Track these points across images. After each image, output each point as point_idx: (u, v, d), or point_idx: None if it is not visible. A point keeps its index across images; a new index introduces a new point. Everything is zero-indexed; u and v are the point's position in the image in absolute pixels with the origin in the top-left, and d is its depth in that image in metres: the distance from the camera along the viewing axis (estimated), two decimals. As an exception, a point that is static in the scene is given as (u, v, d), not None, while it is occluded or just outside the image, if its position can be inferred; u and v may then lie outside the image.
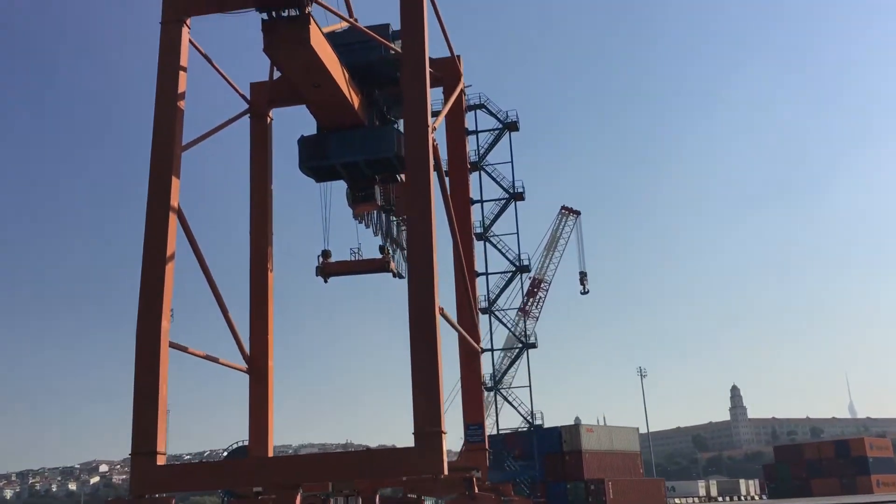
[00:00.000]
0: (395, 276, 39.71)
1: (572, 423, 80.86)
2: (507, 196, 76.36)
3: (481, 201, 75.61)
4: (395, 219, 48.42)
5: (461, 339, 37.58)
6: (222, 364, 36.26)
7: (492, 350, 73.30)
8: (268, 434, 37.70)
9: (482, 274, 72.32)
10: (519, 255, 75.28)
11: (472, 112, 71.95)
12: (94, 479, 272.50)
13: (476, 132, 73.91)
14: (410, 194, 29.40)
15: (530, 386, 71.55)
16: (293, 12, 32.02)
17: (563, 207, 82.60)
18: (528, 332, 74.79)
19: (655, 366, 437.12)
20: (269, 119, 41.69)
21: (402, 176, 41.47)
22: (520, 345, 74.34)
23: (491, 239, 75.86)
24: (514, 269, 74.84)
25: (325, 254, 39.76)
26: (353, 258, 39.95)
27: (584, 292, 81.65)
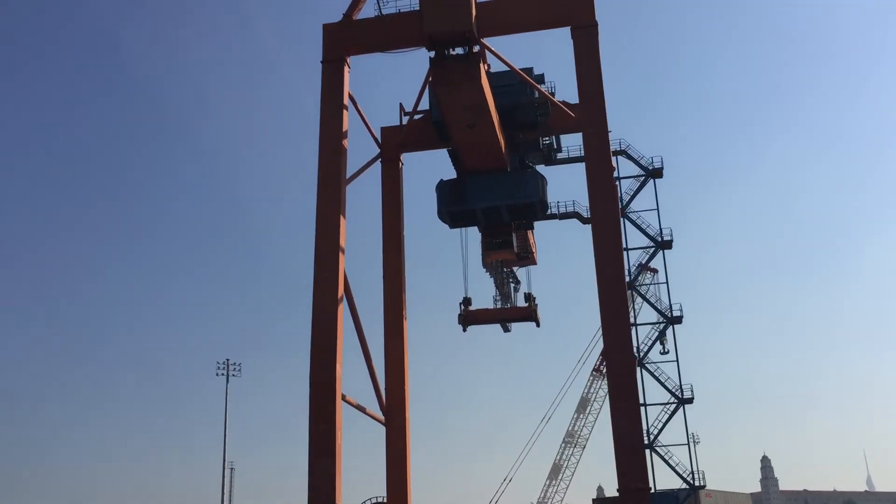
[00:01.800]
0: (538, 325, 38.25)
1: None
2: (653, 245, 73.54)
3: (626, 249, 70.97)
4: (506, 270, 47.37)
5: (612, 391, 35.75)
6: (368, 415, 34.52)
7: (644, 405, 68.28)
8: (406, 489, 35.74)
9: (633, 325, 68.41)
10: (670, 305, 72.28)
11: (613, 158, 67.85)
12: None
13: (618, 179, 70.52)
14: (603, 254, 28.12)
15: (688, 443, 67.24)
16: (460, 51, 31.67)
17: (640, 265, 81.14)
18: (682, 385, 70.05)
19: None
20: (400, 164, 40.92)
21: (522, 222, 40.65)
22: (675, 400, 69.96)
23: (639, 289, 73.38)
24: (664, 320, 72.34)
25: (467, 301, 38.47)
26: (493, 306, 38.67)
27: (664, 352, 79.57)
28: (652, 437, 66.99)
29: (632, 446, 25.42)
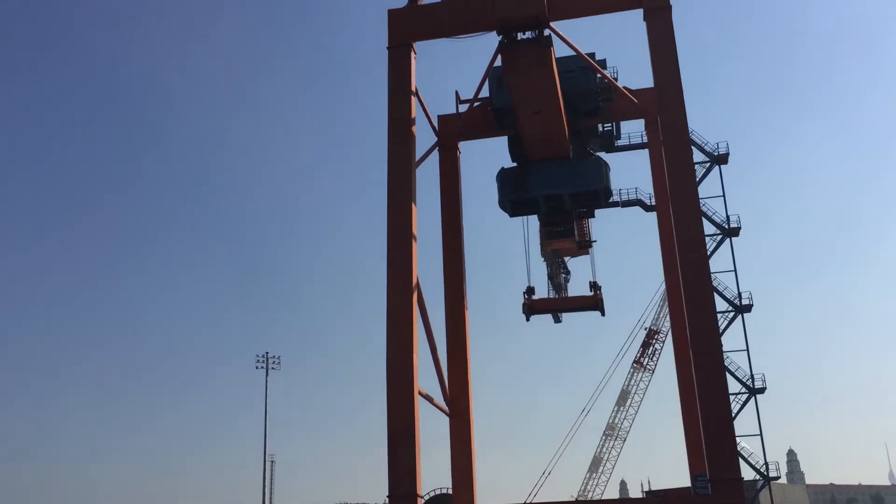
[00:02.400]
0: (602, 314, 37.70)
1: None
2: (720, 233, 72.45)
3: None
4: (559, 260, 46.85)
5: (680, 380, 35.26)
6: (436, 405, 34.15)
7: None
8: (472, 481, 35.33)
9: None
10: (739, 293, 70.91)
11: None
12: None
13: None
14: (686, 240, 27.50)
15: (761, 433, 65.38)
16: (529, 35, 31.13)
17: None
18: (754, 375, 68.68)
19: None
20: (458, 152, 40.45)
21: (584, 210, 40.00)
22: (746, 391, 68.68)
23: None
24: (733, 309, 71.41)
25: (530, 290, 38.00)
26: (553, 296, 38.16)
27: None
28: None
29: (722, 434, 24.83)
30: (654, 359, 79.08)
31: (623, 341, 77.75)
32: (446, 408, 35.56)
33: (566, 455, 75.28)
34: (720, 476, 24.42)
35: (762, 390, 64.86)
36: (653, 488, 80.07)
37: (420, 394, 32.03)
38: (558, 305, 38.14)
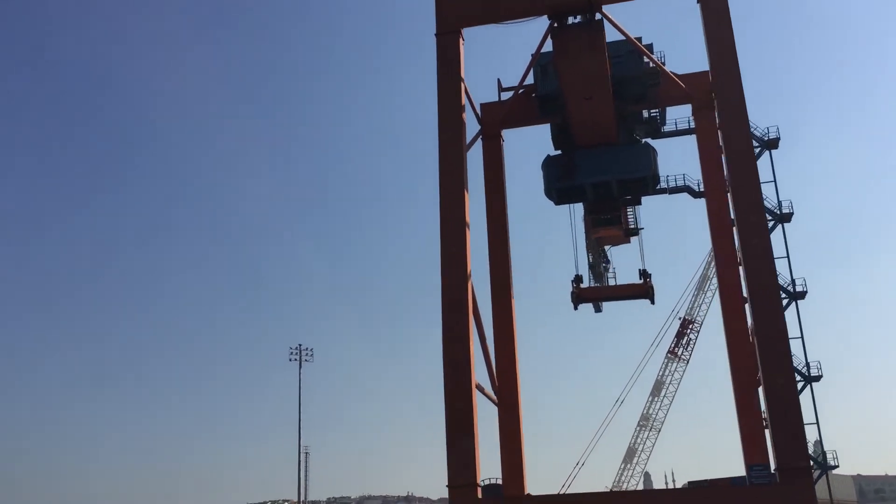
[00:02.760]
0: (652, 303, 37.25)
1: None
2: (772, 219, 71.11)
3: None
4: (601, 248, 46.40)
5: (734, 370, 34.71)
6: (486, 395, 33.90)
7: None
8: (522, 470, 35.10)
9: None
10: (793, 280, 69.83)
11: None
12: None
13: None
14: (747, 226, 26.99)
15: (818, 422, 64.71)
16: (579, 19, 30.72)
17: (715, 245, 79.31)
18: (809, 363, 67.16)
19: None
20: (501, 140, 40.08)
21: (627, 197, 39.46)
22: (801, 379, 67.25)
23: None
24: (787, 296, 70.55)
25: (578, 279, 37.60)
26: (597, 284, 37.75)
27: None
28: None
29: (790, 423, 24.35)
30: (689, 349, 78.44)
31: (656, 331, 77.21)
32: (495, 397, 35.34)
33: (600, 446, 75.06)
34: (788, 465, 23.97)
35: (818, 378, 63.48)
36: (676, 480, 79.52)
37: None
38: (608, 294, 37.74)
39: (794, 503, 23.78)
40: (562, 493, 53.66)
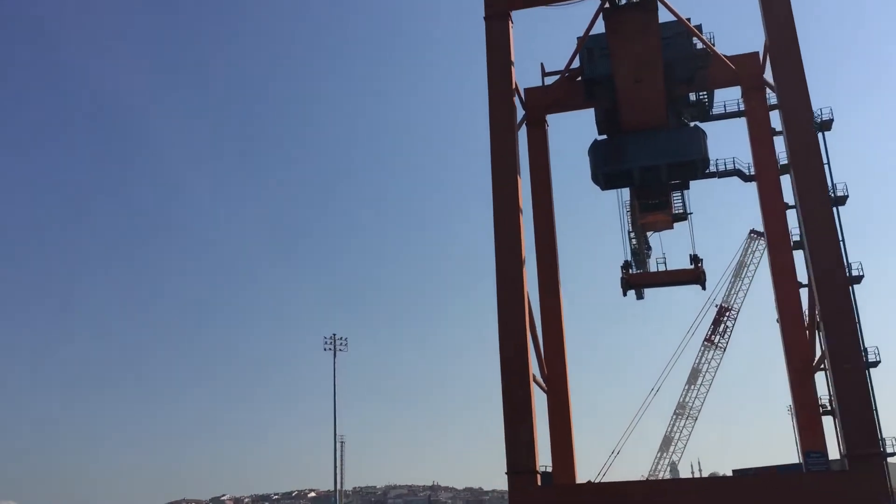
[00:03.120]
0: (703, 288, 36.65)
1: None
2: None
3: (797, 207, 64.34)
4: (643, 234, 45.71)
5: (790, 356, 34.09)
6: (536, 383, 33.52)
7: (825, 370, 63.37)
8: (572, 458, 34.78)
9: (804, 286, 64.36)
10: (849, 266, 68.74)
11: (778, 111, 59.93)
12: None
13: (784, 133, 64.07)
14: (810, 208, 26.31)
15: (876, 409, 62.71)
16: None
17: (752, 231, 78.20)
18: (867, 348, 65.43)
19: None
20: (546, 126, 39.61)
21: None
22: None
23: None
24: None
25: (627, 265, 37.09)
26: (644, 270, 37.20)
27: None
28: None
29: (859, 409, 23.81)
30: (726, 336, 77.51)
31: (692, 319, 76.26)
32: (544, 385, 35.01)
33: (634, 434, 74.36)
34: (859, 451, 23.41)
35: (876, 364, 62.41)
36: (703, 470, 78.67)
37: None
38: (659, 280, 37.15)
39: (867, 490, 23.18)
40: (598, 481, 53.14)
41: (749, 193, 39.24)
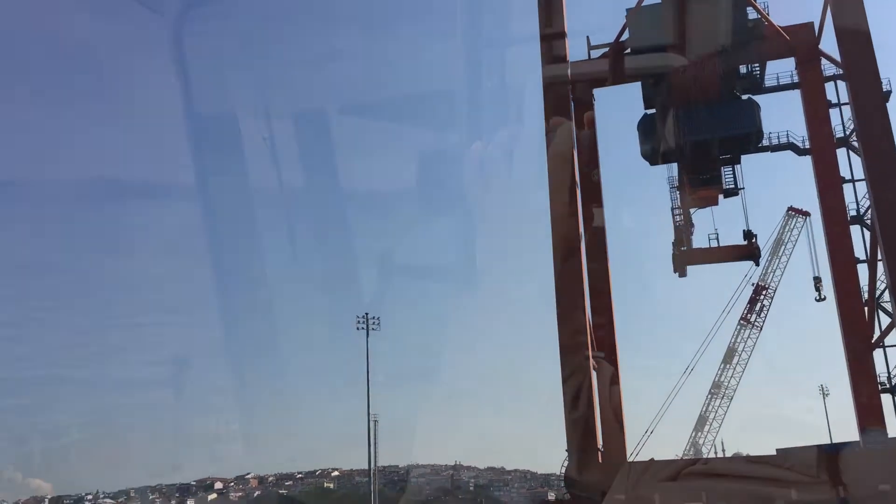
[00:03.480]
0: (757, 265, 35.99)
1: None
2: None
3: (853, 181, 57.72)
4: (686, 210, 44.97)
5: (847, 333, 33.41)
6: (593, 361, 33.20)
7: (883, 347, 56.24)
8: (622, 435, 34.41)
9: (862, 261, 57.64)
10: None
11: (833, 83, 45.80)
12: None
13: (839, 105, 58.45)
14: (877, 182, 25.60)
15: None
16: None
17: (791, 208, 76.87)
18: None
19: None
20: (593, 100, 38.86)
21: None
22: None
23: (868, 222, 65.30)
24: None
25: (679, 242, 36.51)
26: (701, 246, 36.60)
27: (820, 299, 75.11)
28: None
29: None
30: (762, 315, 76.49)
31: (728, 297, 75.34)
32: (594, 362, 34.62)
33: (668, 414, 73.80)
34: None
35: None
36: (726, 451, 78.08)
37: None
38: (712, 257, 36.58)
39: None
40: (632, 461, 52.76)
41: (787, 168, 38.32)
